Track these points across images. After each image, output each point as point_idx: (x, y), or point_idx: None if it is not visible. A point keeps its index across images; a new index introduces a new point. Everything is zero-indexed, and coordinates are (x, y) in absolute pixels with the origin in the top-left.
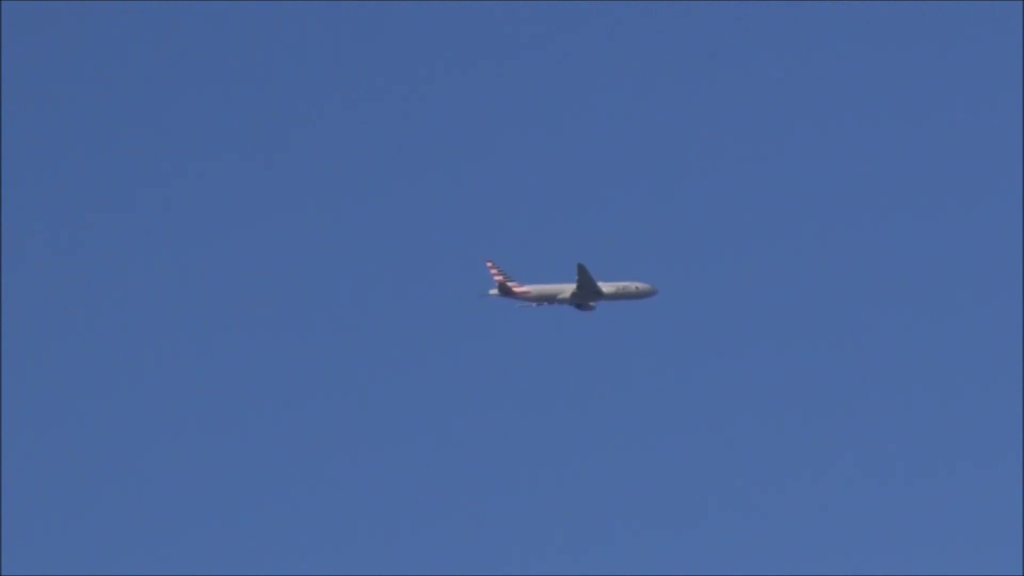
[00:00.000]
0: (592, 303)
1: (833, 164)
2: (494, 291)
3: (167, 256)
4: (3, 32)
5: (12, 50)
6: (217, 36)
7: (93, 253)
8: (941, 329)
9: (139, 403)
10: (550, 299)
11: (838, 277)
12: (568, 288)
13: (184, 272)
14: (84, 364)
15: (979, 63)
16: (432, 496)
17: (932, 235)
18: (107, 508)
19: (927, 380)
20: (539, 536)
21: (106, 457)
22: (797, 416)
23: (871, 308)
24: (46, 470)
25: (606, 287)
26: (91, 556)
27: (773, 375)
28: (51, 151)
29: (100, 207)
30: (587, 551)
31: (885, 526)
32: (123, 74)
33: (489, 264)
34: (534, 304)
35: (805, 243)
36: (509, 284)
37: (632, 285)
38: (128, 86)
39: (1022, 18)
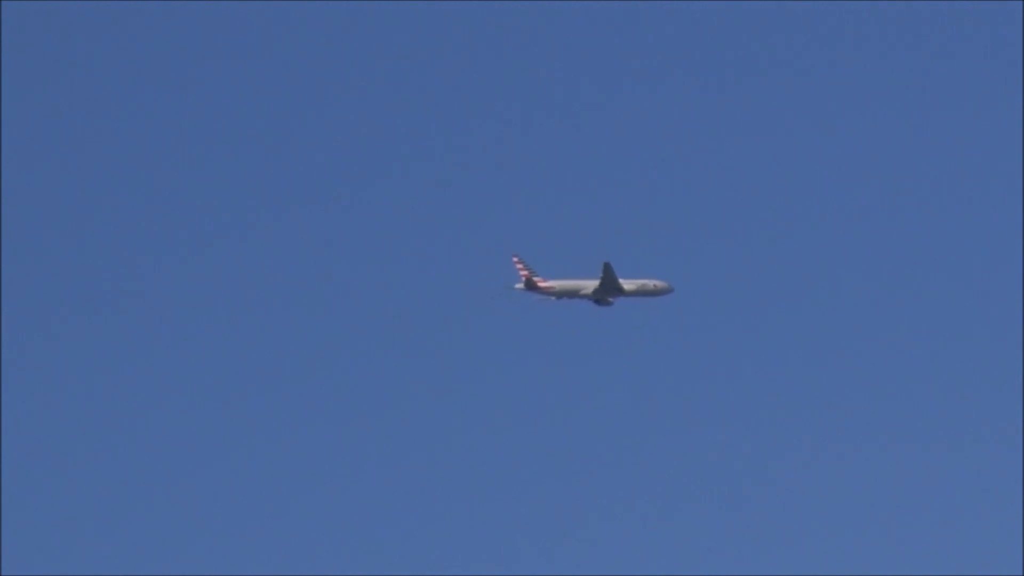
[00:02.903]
0: (611, 299)
1: (848, 163)
2: (519, 285)
3: (168, 255)
4: (3, 32)
5: (12, 50)
6: (218, 36)
7: (92, 253)
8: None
9: (139, 403)
10: (571, 294)
11: (854, 274)
12: (590, 284)
13: (192, 265)
14: (84, 364)
15: (979, 63)
16: (447, 487)
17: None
18: (107, 508)
19: (951, 378)
20: (548, 530)
21: (106, 457)
22: (811, 414)
23: (890, 306)
24: (46, 470)
25: (627, 284)
26: (91, 556)
27: (784, 373)
28: (51, 151)
29: (100, 207)
30: (595, 546)
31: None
32: (123, 74)
33: (515, 259)
34: (554, 298)
35: (820, 242)
36: (534, 279)
37: (650, 283)
38: (128, 86)
39: (1022, 18)
